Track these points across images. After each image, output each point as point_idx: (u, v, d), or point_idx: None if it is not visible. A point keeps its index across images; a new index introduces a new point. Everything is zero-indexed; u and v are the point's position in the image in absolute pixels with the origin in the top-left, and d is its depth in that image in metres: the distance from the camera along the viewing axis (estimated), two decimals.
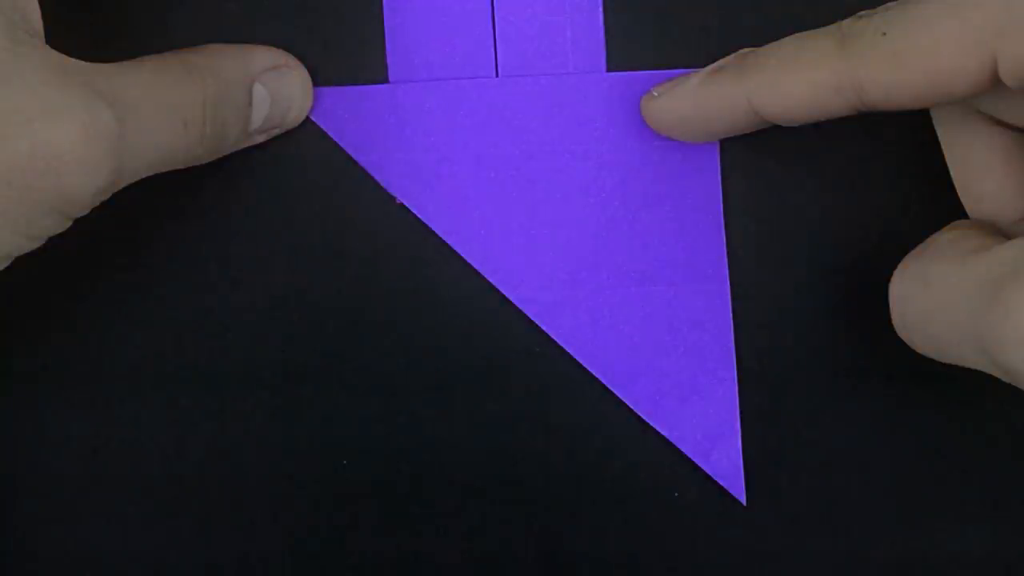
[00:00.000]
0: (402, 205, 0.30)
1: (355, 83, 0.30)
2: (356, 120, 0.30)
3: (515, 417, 0.30)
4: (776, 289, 0.30)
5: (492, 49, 0.30)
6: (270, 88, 0.28)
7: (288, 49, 0.29)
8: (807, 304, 0.29)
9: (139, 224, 0.30)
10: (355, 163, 0.30)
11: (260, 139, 0.29)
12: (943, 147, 0.28)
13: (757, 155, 0.30)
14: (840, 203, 0.30)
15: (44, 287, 0.30)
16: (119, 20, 0.30)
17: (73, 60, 0.24)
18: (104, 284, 0.30)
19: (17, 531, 0.30)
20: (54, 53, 0.24)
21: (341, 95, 0.29)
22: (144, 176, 0.26)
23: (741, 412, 0.29)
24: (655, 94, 0.28)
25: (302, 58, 0.29)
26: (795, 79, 0.25)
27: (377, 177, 0.30)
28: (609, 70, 0.30)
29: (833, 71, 0.25)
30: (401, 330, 0.30)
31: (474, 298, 0.30)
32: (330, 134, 0.30)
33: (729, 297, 0.29)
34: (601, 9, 0.29)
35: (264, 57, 0.28)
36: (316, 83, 0.29)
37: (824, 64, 0.25)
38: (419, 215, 0.30)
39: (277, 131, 0.29)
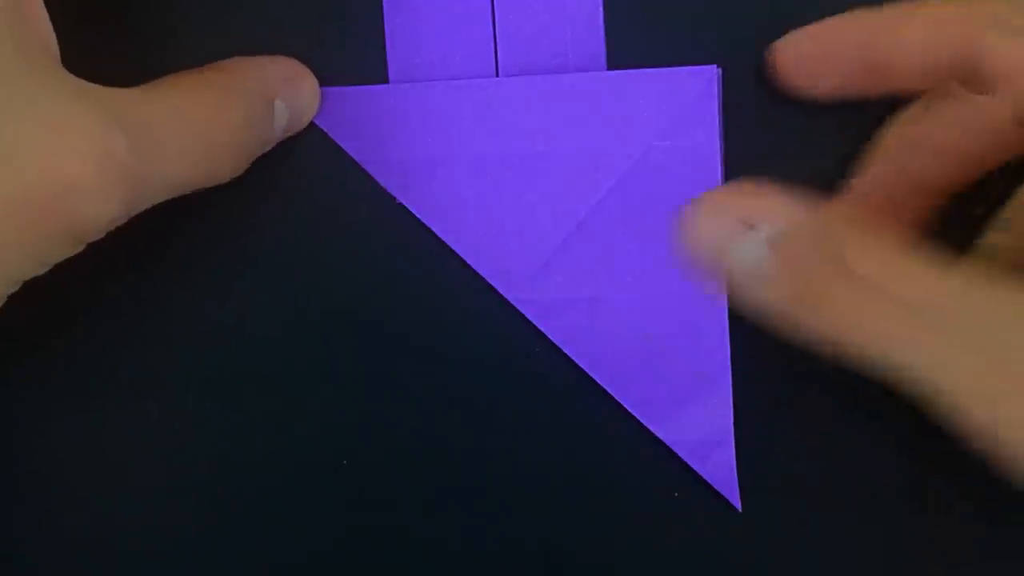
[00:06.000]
0: (402, 205, 0.30)
1: (355, 83, 0.29)
2: (356, 120, 0.30)
3: (515, 418, 0.30)
4: None
5: (492, 49, 0.30)
6: (288, 100, 0.28)
7: (288, 49, 0.29)
8: None
9: (138, 224, 0.30)
10: (355, 163, 0.30)
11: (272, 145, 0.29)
12: None
13: (757, 155, 0.29)
14: None
15: (44, 288, 0.30)
16: (128, 16, 0.30)
17: (92, 86, 0.24)
18: (103, 285, 0.30)
19: (16, 533, 0.30)
20: (71, 78, 0.23)
21: (341, 95, 0.29)
22: (164, 200, 0.25)
23: (738, 415, 0.29)
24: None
25: (302, 58, 0.29)
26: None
27: (377, 177, 0.30)
28: (610, 68, 0.29)
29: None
30: (400, 330, 0.30)
31: (474, 299, 0.30)
32: (330, 134, 0.30)
33: (726, 302, 0.29)
34: (601, 9, 0.29)
35: (281, 69, 0.28)
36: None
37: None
38: (418, 215, 0.30)
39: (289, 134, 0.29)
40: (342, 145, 0.30)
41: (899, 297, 0.22)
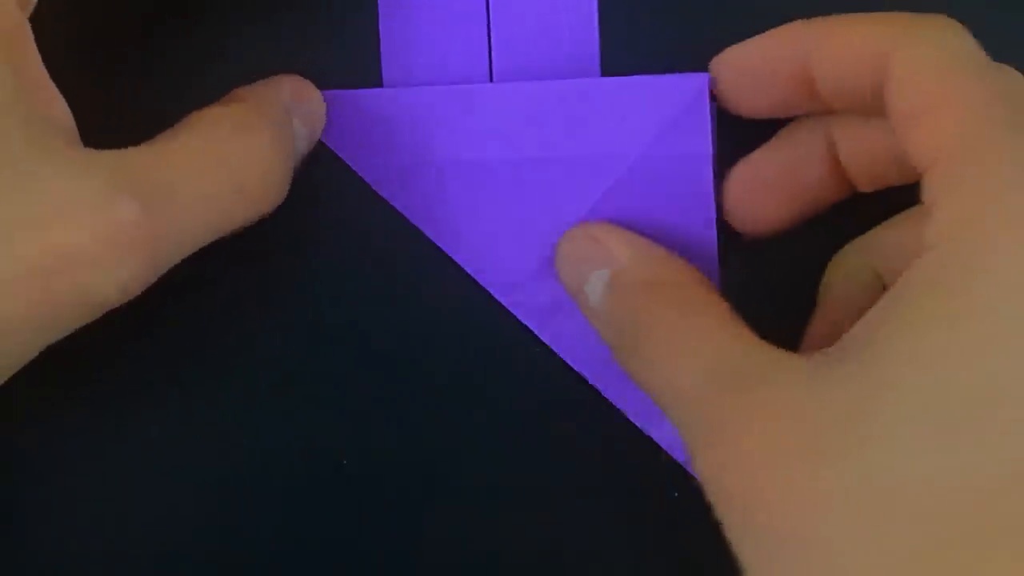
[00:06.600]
0: (396, 209, 0.29)
1: (349, 86, 0.29)
2: (350, 124, 0.29)
3: (514, 418, 0.30)
4: (776, 291, 0.30)
5: (487, 53, 0.30)
6: (301, 117, 0.28)
7: (282, 52, 0.29)
8: (807, 305, 0.30)
9: None
10: (348, 167, 0.30)
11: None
12: None
13: None
14: (842, 203, 0.30)
15: None
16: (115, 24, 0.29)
17: (101, 153, 0.23)
18: None
19: (17, 535, 0.30)
20: (81, 150, 0.23)
21: (335, 98, 0.29)
22: (204, 245, 0.25)
23: None
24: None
25: (297, 61, 0.29)
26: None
27: (370, 181, 0.30)
28: (604, 74, 0.30)
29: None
30: (398, 333, 0.30)
31: (471, 302, 0.30)
32: (323, 138, 0.29)
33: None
34: (596, 13, 0.30)
35: (289, 87, 0.28)
36: None
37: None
38: (412, 219, 0.30)
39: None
40: (335, 149, 0.30)
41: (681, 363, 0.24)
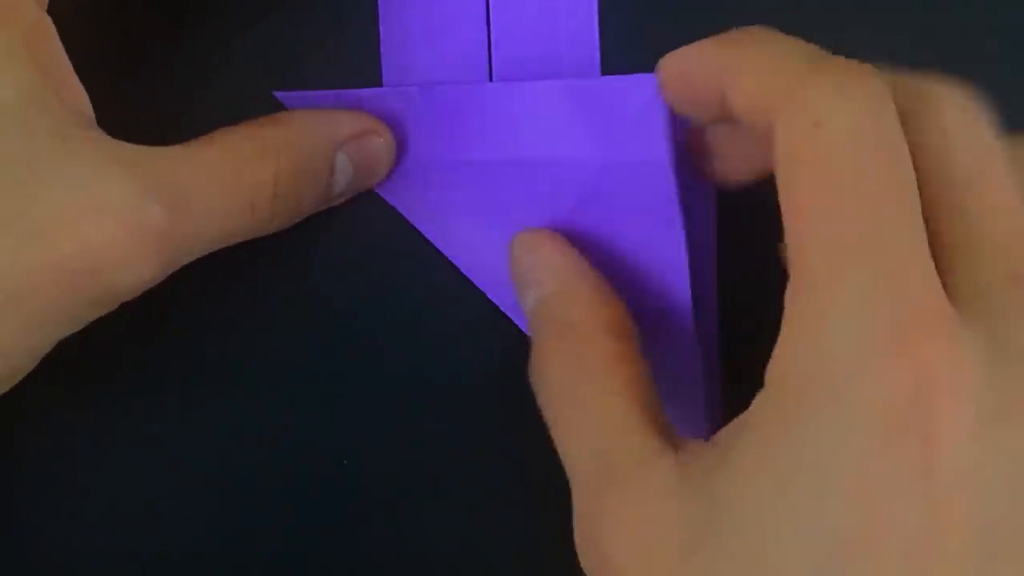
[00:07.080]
0: (394, 208, 0.29)
1: (349, 86, 0.29)
2: None
3: (514, 418, 0.30)
4: (772, 293, 0.30)
5: (486, 53, 0.30)
6: (353, 156, 0.28)
7: (282, 52, 0.29)
8: None
9: None
10: None
11: (342, 200, 0.29)
12: None
13: None
14: None
15: None
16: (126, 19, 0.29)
17: (128, 148, 0.24)
18: None
19: (20, 534, 0.30)
20: (106, 143, 0.24)
21: (334, 98, 0.29)
22: (206, 253, 0.25)
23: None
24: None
25: (297, 61, 0.29)
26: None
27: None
28: (604, 74, 0.30)
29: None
30: (397, 333, 0.30)
31: (470, 301, 0.30)
32: None
33: (690, 310, 0.28)
34: (596, 13, 0.30)
35: (349, 125, 0.28)
36: (309, 86, 0.29)
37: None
38: (410, 218, 0.29)
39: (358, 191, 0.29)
40: None
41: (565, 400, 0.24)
